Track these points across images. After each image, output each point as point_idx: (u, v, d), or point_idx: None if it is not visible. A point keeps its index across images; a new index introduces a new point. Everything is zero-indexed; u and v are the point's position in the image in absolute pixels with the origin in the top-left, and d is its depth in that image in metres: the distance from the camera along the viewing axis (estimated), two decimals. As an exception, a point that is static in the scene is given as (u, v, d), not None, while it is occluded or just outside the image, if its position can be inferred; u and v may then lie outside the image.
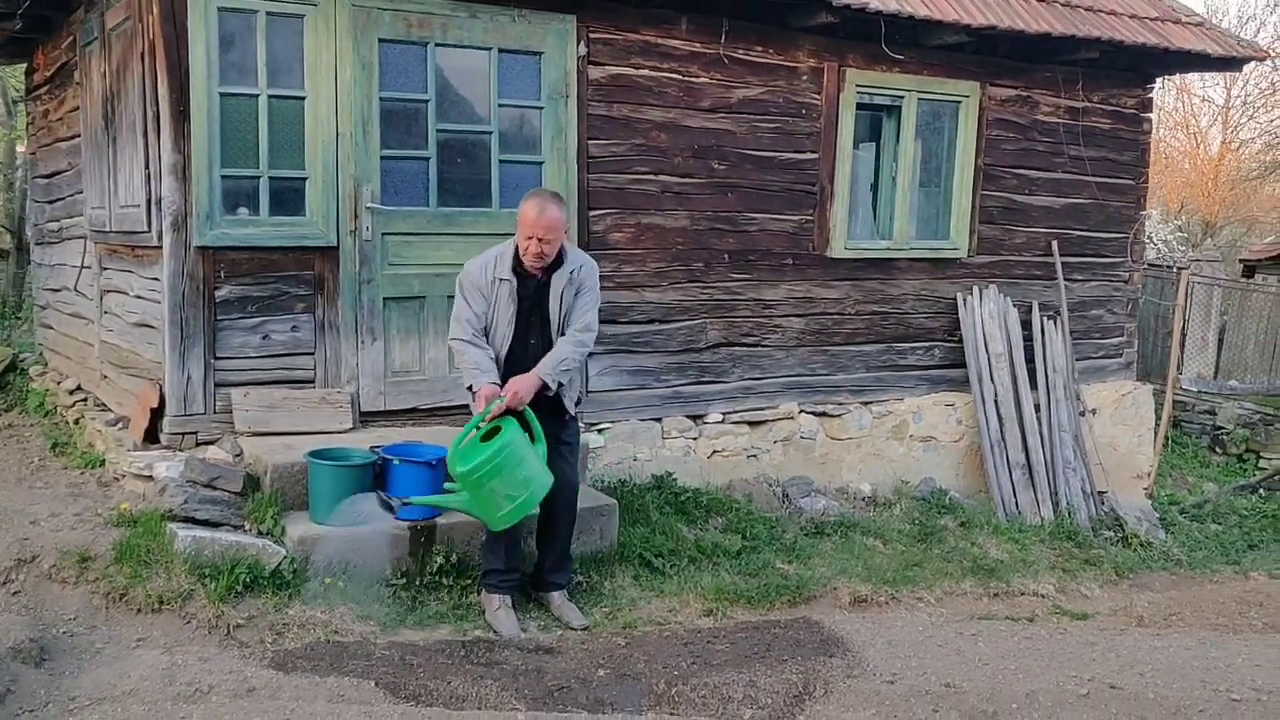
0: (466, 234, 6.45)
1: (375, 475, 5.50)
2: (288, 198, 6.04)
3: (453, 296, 6.32)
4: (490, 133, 6.49)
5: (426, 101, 6.30)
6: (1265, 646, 5.87)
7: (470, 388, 5.15)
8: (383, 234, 6.24)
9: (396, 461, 5.46)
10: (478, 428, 4.93)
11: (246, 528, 5.31)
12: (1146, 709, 4.67)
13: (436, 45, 6.29)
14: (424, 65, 6.28)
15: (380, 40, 6.13)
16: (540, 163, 6.64)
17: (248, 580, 4.99)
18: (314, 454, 5.43)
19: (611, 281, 6.94)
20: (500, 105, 6.51)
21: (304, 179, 6.04)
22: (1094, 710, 4.63)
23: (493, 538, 5.22)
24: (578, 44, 6.67)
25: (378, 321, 6.28)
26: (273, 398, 6.05)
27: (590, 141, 6.80)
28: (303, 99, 5.98)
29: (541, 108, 6.62)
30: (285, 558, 5.15)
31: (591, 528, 5.90)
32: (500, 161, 6.53)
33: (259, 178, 5.93)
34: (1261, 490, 10.22)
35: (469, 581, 5.44)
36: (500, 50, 6.46)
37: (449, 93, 6.43)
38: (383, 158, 6.21)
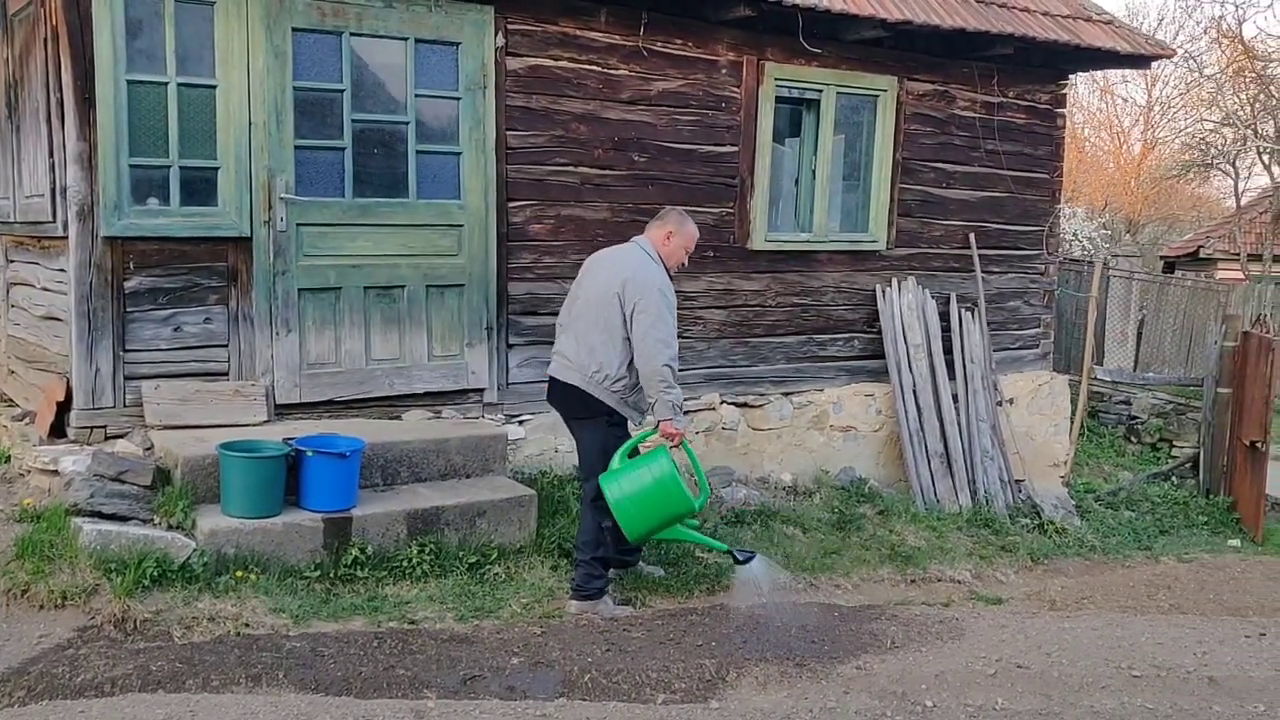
0: (383, 225, 6.41)
1: (289, 468, 5.45)
2: (199, 188, 5.95)
3: (370, 288, 6.43)
4: (407, 123, 6.45)
5: (342, 91, 6.24)
6: (1169, 626, 6.05)
7: (668, 422, 5.33)
8: (297, 225, 6.17)
9: (310, 453, 5.41)
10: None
11: (156, 521, 5.23)
12: (1050, 686, 4.79)
13: (352, 35, 6.24)
14: (339, 55, 6.22)
15: (293, 29, 6.06)
16: (458, 154, 6.61)
17: (155, 574, 4.91)
18: (225, 446, 5.36)
19: (531, 273, 6.95)
20: (417, 96, 6.47)
21: (216, 169, 5.95)
22: (1000, 689, 4.74)
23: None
24: (495, 35, 6.65)
25: (293, 313, 6.21)
26: (185, 390, 5.96)
27: (509, 132, 6.78)
28: (214, 87, 5.89)
29: (459, 98, 6.58)
30: (195, 551, 5.09)
31: (510, 518, 5.90)
32: (417, 152, 6.49)
33: (169, 167, 5.83)
34: (1174, 478, 10.47)
35: (384, 574, 5.42)
36: (417, 40, 6.42)
37: (365, 82, 6.37)
38: (297, 148, 6.14)
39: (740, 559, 5.48)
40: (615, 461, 5.35)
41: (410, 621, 5.06)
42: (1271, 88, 20.40)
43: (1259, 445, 9.22)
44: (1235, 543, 8.85)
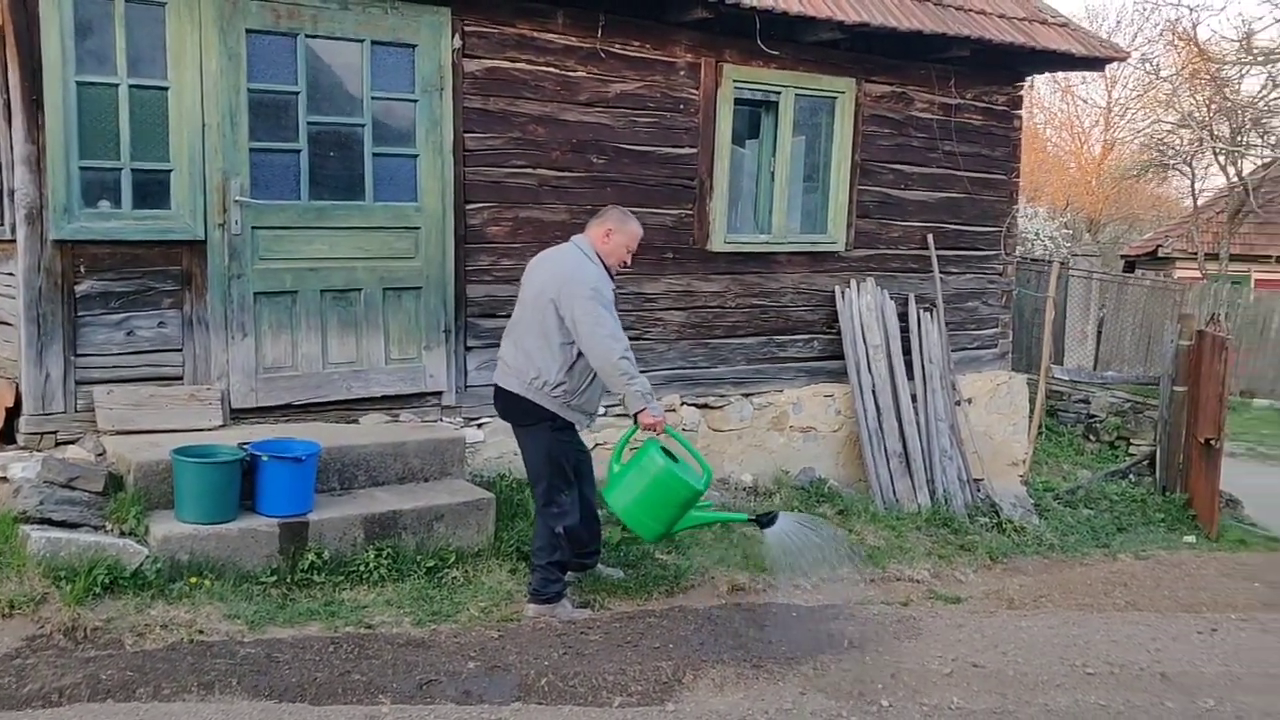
0: (339, 228, 6.37)
1: (244, 473, 5.40)
2: (152, 190, 5.89)
3: (326, 291, 6.38)
4: (363, 125, 6.41)
5: (297, 93, 6.20)
6: (1124, 624, 6.11)
7: (643, 412, 5.24)
8: (253, 228, 6.12)
9: (265, 458, 5.37)
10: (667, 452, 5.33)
11: (108, 528, 5.16)
12: (1006, 685, 4.83)
13: (307, 37, 6.19)
14: (294, 57, 6.17)
15: (248, 31, 6.01)
16: (415, 156, 6.58)
17: (107, 582, 4.85)
18: (179, 451, 5.31)
19: (490, 275, 6.93)
20: (374, 98, 6.43)
21: (169, 171, 5.89)
22: (956, 688, 4.77)
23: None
24: (452, 37, 6.62)
25: (248, 317, 6.16)
26: (139, 395, 5.90)
27: (466, 135, 6.76)
28: (166, 89, 5.83)
29: (416, 100, 6.55)
30: (148, 557, 5.03)
31: (469, 522, 5.88)
32: (374, 155, 6.46)
33: (120, 169, 5.77)
34: (1131, 475, 10.59)
35: (341, 578, 5.38)
36: (373, 42, 6.38)
37: (321, 85, 6.32)
38: (252, 150, 6.08)
39: (764, 523, 5.48)
40: (614, 466, 5.38)
41: (367, 626, 5.02)
42: (1226, 90, 20.67)
43: (1213, 442, 9.34)
44: (1191, 539, 8.96)
